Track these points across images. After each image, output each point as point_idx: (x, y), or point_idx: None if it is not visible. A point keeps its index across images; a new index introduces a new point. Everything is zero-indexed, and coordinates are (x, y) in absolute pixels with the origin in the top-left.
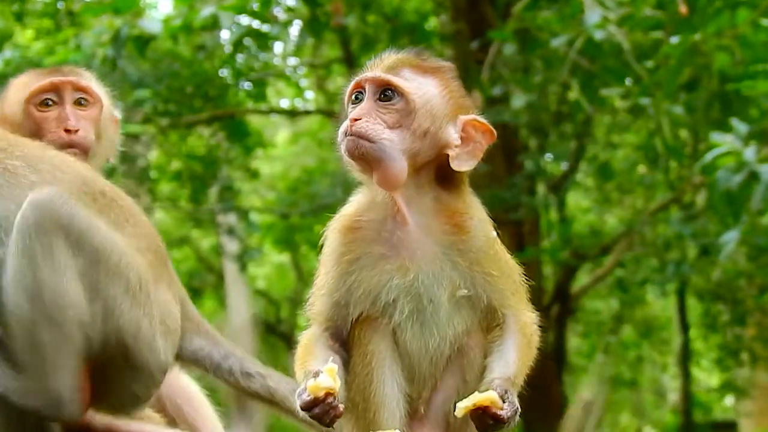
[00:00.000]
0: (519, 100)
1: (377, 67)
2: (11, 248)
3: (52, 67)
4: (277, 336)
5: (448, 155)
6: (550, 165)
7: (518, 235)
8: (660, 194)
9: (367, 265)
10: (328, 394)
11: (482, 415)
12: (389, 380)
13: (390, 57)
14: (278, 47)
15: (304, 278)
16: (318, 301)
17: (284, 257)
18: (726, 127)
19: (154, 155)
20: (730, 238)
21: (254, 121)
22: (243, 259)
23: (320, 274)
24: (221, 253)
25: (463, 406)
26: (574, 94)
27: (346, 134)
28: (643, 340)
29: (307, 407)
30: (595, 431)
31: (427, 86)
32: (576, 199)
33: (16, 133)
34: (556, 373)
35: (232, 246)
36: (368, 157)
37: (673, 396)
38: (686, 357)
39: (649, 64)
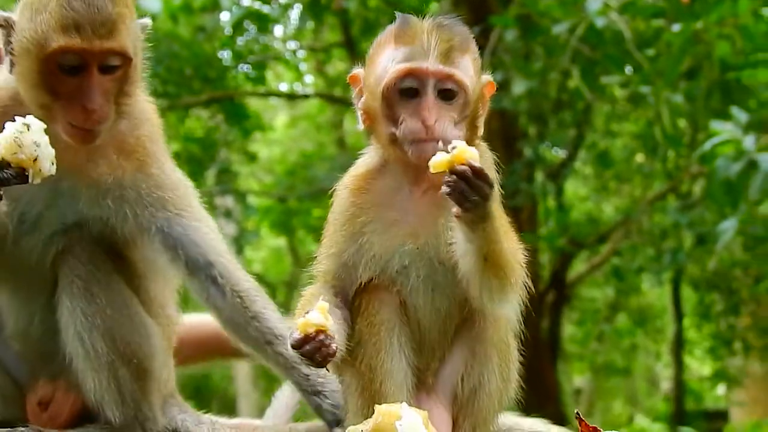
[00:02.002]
0: (519, 87)
1: (433, 56)
2: None
3: (76, 9)
4: None
5: (477, 124)
6: (549, 152)
7: (516, 221)
8: (658, 183)
9: (379, 229)
10: (319, 331)
11: (457, 181)
12: (397, 351)
13: (437, 39)
14: (278, 30)
15: (301, 262)
16: (325, 260)
17: (281, 241)
18: (726, 116)
19: None
20: (728, 227)
21: (253, 104)
22: (240, 243)
23: (329, 232)
24: None
25: (437, 161)
26: (574, 81)
27: (424, 138)
28: (637, 329)
29: (298, 345)
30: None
31: (469, 66)
32: (574, 187)
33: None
34: (550, 360)
35: (228, 229)
36: None
37: (666, 384)
38: (679, 346)
39: (650, 52)
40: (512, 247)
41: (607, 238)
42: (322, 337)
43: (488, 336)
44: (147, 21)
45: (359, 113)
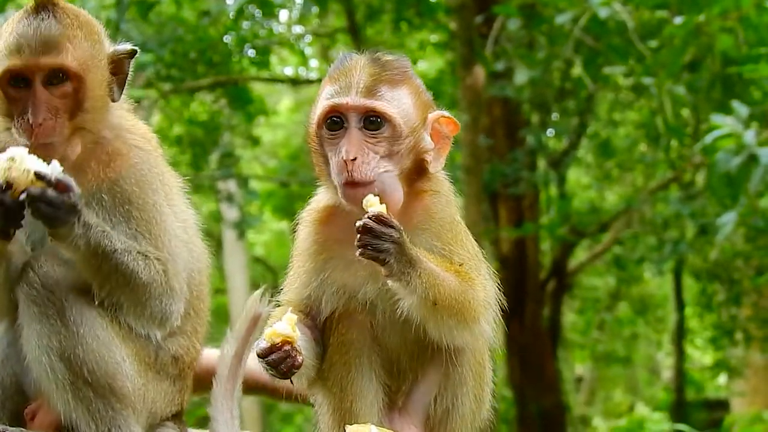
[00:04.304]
0: (522, 76)
1: (355, 91)
2: None
3: (23, 34)
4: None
5: (423, 158)
6: (552, 141)
7: (517, 210)
8: (660, 173)
9: (340, 266)
10: (285, 342)
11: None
12: (367, 370)
13: (363, 74)
14: (283, 15)
15: None
16: (290, 292)
17: (283, 225)
18: (728, 109)
19: (155, 120)
20: (728, 219)
21: (257, 88)
22: (242, 226)
23: (293, 266)
24: (220, 219)
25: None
26: (577, 70)
27: (345, 181)
28: (638, 318)
29: (263, 354)
30: (588, 407)
31: (402, 99)
32: (576, 176)
33: None
34: (550, 348)
35: (231, 213)
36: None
37: (667, 373)
38: (681, 335)
39: (653, 43)
40: (462, 278)
41: (608, 227)
42: (287, 347)
43: (464, 359)
44: (126, 47)
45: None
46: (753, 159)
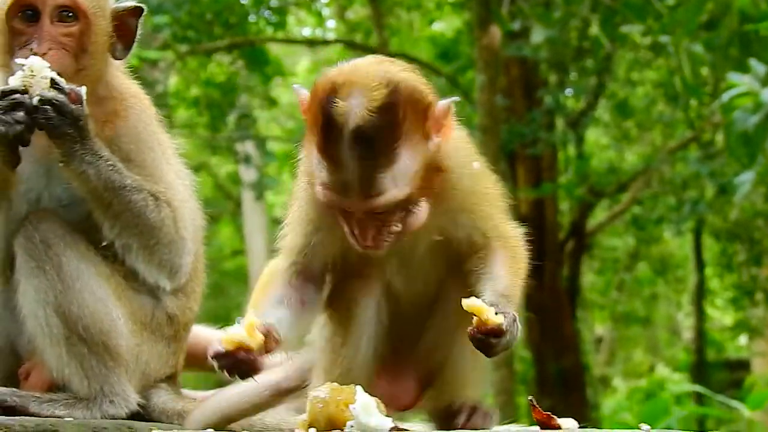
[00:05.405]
0: (539, 35)
1: (362, 197)
2: None
3: None
4: None
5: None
6: (570, 101)
7: (536, 170)
8: (679, 132)
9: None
10: (239, 348)
11: (482, 337)
12: (370, 325)
13: (369, 179)
14: None
15: None
16: (290, 235)
17: None
18: (745, 68)
19: (172, 82)
20: (746, 179)
21: (275, 49)
22: (260, 188)
23: (294, 208)
24: (239, 180)
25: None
26: (594, 29)
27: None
28: (658, 278)
29: (215, 357)
30: (608, 367)
31: (403, 166)
32: (595, 136)
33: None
34: (569, 309)
35: (249, 174)
36: None
37: (687, 334)
38: (701, 295)
39: (670, 1)
40: (507, 250)
41: (627, 187)
42: (241, 354)
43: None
44: (129, 3)
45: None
46: None
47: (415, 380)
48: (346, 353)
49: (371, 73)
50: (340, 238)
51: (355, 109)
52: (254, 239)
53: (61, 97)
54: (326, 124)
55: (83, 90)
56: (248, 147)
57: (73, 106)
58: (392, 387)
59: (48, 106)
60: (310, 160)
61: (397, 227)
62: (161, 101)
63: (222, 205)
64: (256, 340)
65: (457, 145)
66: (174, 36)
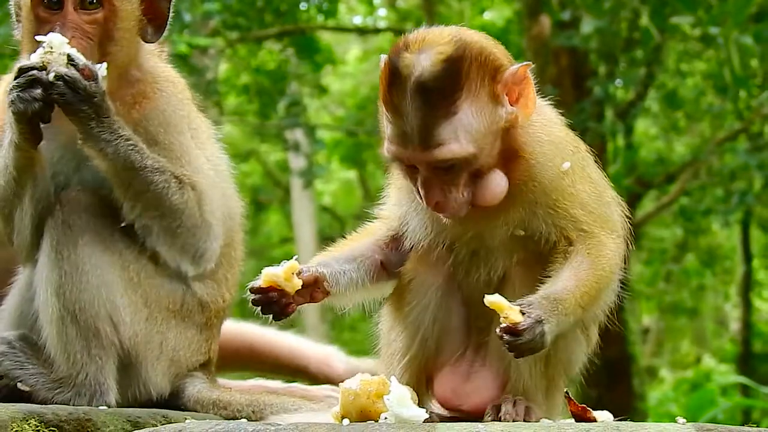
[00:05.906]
0: (588, 25)
1: (421, 147)
2: None
3: None
4: None
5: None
6: (619, 91)
7: None
8: (728, 123)
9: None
10: (272, 288)
11: (501, 335)
12: (427, 313)
13: (427, 129)
14: None
15: (371, 196)
16: (388, 204)
17: (351, 174)
18: None
19: (222, 69)
20: None
21: (325, 37)
22: (309, 176)
23: (393, 176)
24: (288, 168)
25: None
26: (644, 20)
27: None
28: (705, 269)
29: (251, 288)
30: (655, 358)
31: (467, 117)
32: (644, 126)
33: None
34: (617, 299)
35: (298, 162)
36: None
37: (734, 325)
38: (748, 287)
39: None
40: (590, 251)
41: (675, 178)
42: (273, 294)
43: None
44: None
45: None
46: None
47: (491, 381)
48: (402, 342)
49: (444, 32)
50: (425, 211)
51: (421, 62)
52: (303, 227)
53: (73, 72)
54: (392, 76)
55: (101, 67)
56: (297, 135)
57: (87, 83)
58: (464, 384)
59: (61, 82)
60: (381, 119)
61: (466, 193)
62: (211, 88)
63: (271, 192)
64: (291, 284)
65: (546, 136)
66: (224, 23)
